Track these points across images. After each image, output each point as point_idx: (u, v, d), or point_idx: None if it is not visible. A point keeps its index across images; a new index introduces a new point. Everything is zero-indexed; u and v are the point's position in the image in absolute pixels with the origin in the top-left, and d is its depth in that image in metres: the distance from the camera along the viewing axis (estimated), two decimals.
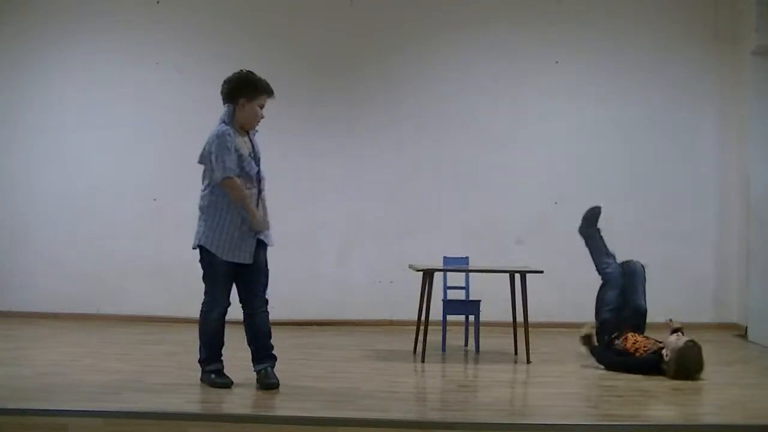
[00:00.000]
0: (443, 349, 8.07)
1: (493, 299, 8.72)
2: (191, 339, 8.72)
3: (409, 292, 9.12)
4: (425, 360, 7.59)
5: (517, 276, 7.85)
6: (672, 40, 10.04)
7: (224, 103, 6.41)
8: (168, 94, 10.17)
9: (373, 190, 10.04)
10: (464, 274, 8.51)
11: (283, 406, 5.80)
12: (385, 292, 9.88)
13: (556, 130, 10.02)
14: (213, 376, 6.33)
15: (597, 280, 8.58)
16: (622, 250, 8.99)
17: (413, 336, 8.06)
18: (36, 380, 6.40)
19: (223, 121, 6.33)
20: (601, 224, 8.61)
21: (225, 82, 6.42)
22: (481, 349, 8.22)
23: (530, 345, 7.64)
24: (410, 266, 7.93)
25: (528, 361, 7.55)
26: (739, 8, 9.79)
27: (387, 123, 10.11)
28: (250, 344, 6.41)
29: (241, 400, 5.93)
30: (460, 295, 8.51)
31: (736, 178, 9.73)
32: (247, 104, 6.30)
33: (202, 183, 6.37)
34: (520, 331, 7.73)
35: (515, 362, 7.65)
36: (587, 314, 9.02)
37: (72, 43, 10.21)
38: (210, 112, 9.86)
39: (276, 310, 9.55)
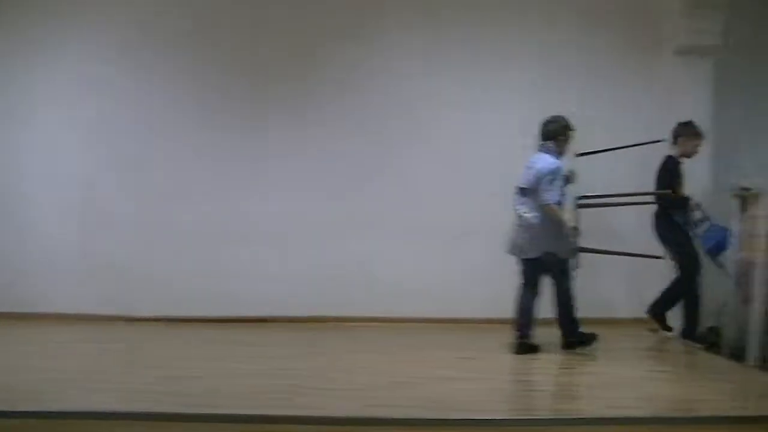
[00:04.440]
0: None
1: (431, 294, 9.03)
2: (125, 337, 8.91)
3: (352, 289, 9.33)
4: (365, 354, 7.76)
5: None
6: (603, 39, 10.18)
7: (546, 140, 8.29)
8: (101, 89, 10.18)
9: (315, 187, 10.10)
10: None
11: (222, 404, 5.93)
12: (326, 290, 9.92)
13: (497, 127, 10.07)
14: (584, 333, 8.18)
15: None
16: None
17: (356, 332, 8.12)
18: None
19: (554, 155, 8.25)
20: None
21: (548, 123, 8.33)
22: (414, 344, 8.42)
23: (460, 341, 7.77)
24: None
25: (458, 357, 7.74)
26: (662, 9, 9.99)
27: (330, 119, 10.14)
28: None
29: (180, 398, 6.05)
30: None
31: None
32: (565, 142, 8.31)
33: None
34: (453, 326, 7.83)
35: (445, 357, 7.79)
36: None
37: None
38: (132, 108, 10.13)
39: (216, 307, 9.78)
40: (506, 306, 9.13)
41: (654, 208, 9.05)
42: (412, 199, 10.09)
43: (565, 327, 8.17)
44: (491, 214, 9.57)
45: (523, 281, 8.29)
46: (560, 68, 10.21)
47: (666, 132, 9.38)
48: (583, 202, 8.77)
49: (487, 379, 6.90)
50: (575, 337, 8.17)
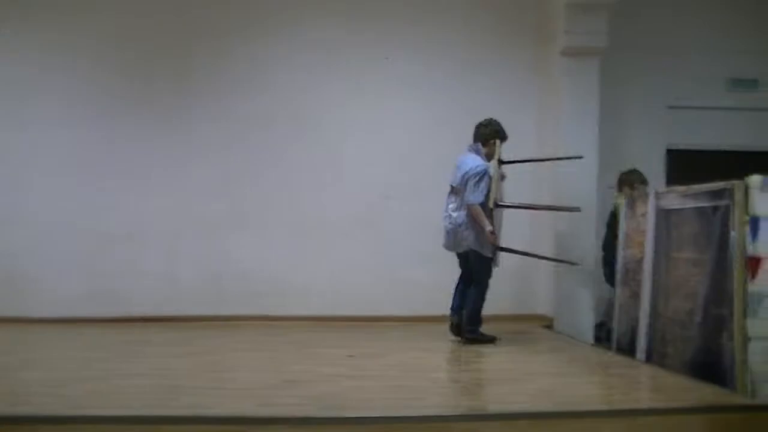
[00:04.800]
0: None
1: (317, 292, 8.98)
2: (8, 338, 8.60)
3: (237, 287, 9.20)
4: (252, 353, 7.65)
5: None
6: (495, 39, 10.32)
7: (476, 141, 8.61)
8: None
9: (199, 185, 9.98)
10: None
11: (103, 405, 5.71)
12: (213, 288, 9.84)
13: (384, 125, 10.16)
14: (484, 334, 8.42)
15: (424, 274, 9.06)
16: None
17: (240, 330, 8.03)
18: None
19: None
20: (423, 220, 9.03)
21: (481, 126, 8.63)
22: (300, 342, 8.37)
23: (355, 339, 7.73)
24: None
25: (350, 355, 7.65)
26: (550, 10, 10.14)
27: (215, 117, 10.03)
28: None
29: (63, 400, 5.81)
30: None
31: (549, 173, 9.90)
32: (494, 147, 8.54)
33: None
34: (347, 325, 7.80)
35: (334, 355, 7.72)
36: (414, 307, 9.31)
37: None
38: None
39: (101, 308, 9.55)
40: (393, 304, 9.25)
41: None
42: (295, 198, 10.08)
43: (470, 323, 8.42)
44: (376, 212, 9.86)
45: (461, 274, 8.72)
46: (446, 65, 10.33)
47: (554, 130, 9.53)
48: (501, 205, 8.72)
49: (379, 377, 6.83)
50: (476, 335, 8.41)
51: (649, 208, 8.22)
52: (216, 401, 5.84)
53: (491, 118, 8.66)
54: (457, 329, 8.57)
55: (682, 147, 10.55)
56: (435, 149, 9.99)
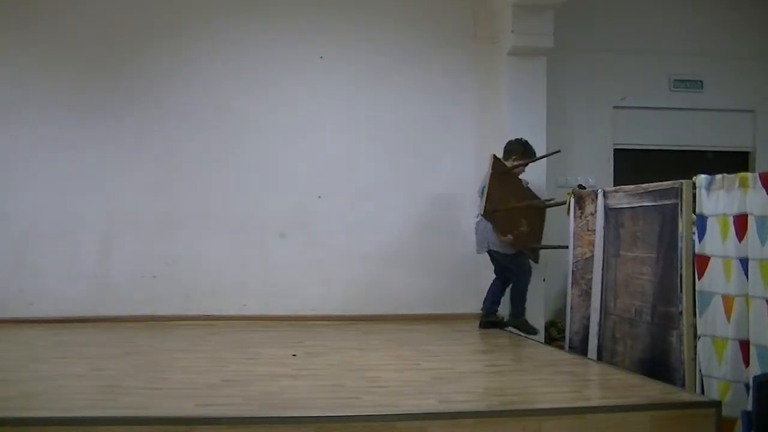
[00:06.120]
0: None
1: (253, 292, 9.04)
2: None
3: (172, 287, 9.05)
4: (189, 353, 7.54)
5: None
6: (435, 39, 10.25)
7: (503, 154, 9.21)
8: None
9: (134, 184, 9.77)
10: None
11: (38, 407, 5.51)
12: (148, 288, 9.63)
13: (320, 125, 10.04)
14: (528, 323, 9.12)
15: (359, 273, 8.81)
16: (388, 243, 9.21)
17: (176, 331, 7.91)
18: None
19: None
20: (359, 220, 9.01)
21: (511, 142, 9.24)
22: (244, 342, 8.25)
23: (295, 338, 7.65)
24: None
25: (293, 354, 7.54)
26: (495, 10, 10.12)
27: (149, 114, 9.83)
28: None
29: None
30: None
31: None
32: (517, 161, 9.18)
33: None
34: (283, 324, 7.73)
35: (277, 356, 7.58)
36: (350, 307, 9.26)
37: None
38: None
39: (33, 308, 9.33)
40: (329, 304, 9.26)
41: None
42: (230, 198, 9.95)
43: (514, 312, 9.09)
44: (310, 212, 9.90)
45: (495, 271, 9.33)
46: (386, 67, 10.26)
47: (501, 130, 9.52)
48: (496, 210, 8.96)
49: (322, 376, 6.71)
50: (519, 321, 9.08)
51: (598, 207, 8.22)
52: (155, 401, 5.70)
53: (519, 138, 9.23)
54: (484, 324, 9.12)
55: (628, 146, 10.61)
56: (371, 150, 10.06)
